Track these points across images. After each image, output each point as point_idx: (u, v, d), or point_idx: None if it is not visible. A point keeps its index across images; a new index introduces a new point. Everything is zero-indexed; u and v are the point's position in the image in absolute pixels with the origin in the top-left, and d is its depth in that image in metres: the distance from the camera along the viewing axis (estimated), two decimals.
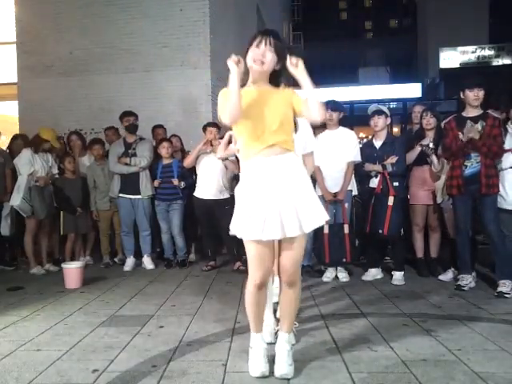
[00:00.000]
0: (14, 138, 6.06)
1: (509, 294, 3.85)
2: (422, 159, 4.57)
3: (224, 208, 5.18)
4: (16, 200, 5.20)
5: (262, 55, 2.27)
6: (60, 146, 6.02)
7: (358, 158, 4.59)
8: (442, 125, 4.24)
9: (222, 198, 5.23)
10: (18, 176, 5.30)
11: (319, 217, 2.32)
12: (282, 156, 2.31)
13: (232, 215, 2.37)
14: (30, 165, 5.23)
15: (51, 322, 3.38)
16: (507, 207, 4.02)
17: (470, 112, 4.02)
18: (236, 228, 2.34)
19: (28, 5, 7.94)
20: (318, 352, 2.70)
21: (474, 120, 3.96)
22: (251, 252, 2.35)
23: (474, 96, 3.95)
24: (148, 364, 2.58)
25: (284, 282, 2.43)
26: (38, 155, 5.30)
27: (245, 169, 2.40)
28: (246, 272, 4.98)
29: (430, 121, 4.57)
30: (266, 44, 2.27)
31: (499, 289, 3.89)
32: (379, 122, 4.56)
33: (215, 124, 5.35)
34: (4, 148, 6.02)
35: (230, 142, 3.00)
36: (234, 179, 5.55)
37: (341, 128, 4.69)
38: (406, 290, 4.19)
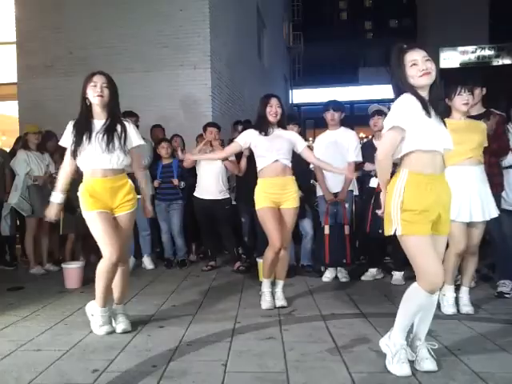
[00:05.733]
0: (18, 140, 6.09)
1: (509, 294, 3.85)
2: None
3: (224, 208, 5.18)
4: (13, 198, 5.25)
5: None
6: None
7: (359, 158, 4.59)
8: None
9: (221, 198, 5.22)
10: (16, 176, 5.33)
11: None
12: None
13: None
14: (26, 164, 5.26)
15: (51, 322, 3.38)
16: (508, 208, 4.01)
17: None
18: None
19: (28, 5, 7.94)
20: (317, 352, 2.71)
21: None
22: None
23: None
24: (148, 364, 2.58)
25: None
26: (34, 155, 5.32)
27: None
28: (246, 272, 5.02)
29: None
30: None
31: (499, 289, 3.89)
32: (379, 122, 4.55)
33: (215, 124, 5.35)
34: (8, 149, 6.04)
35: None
36: (231, 180, 5.54)
37: (342, 128, 4.68)
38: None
